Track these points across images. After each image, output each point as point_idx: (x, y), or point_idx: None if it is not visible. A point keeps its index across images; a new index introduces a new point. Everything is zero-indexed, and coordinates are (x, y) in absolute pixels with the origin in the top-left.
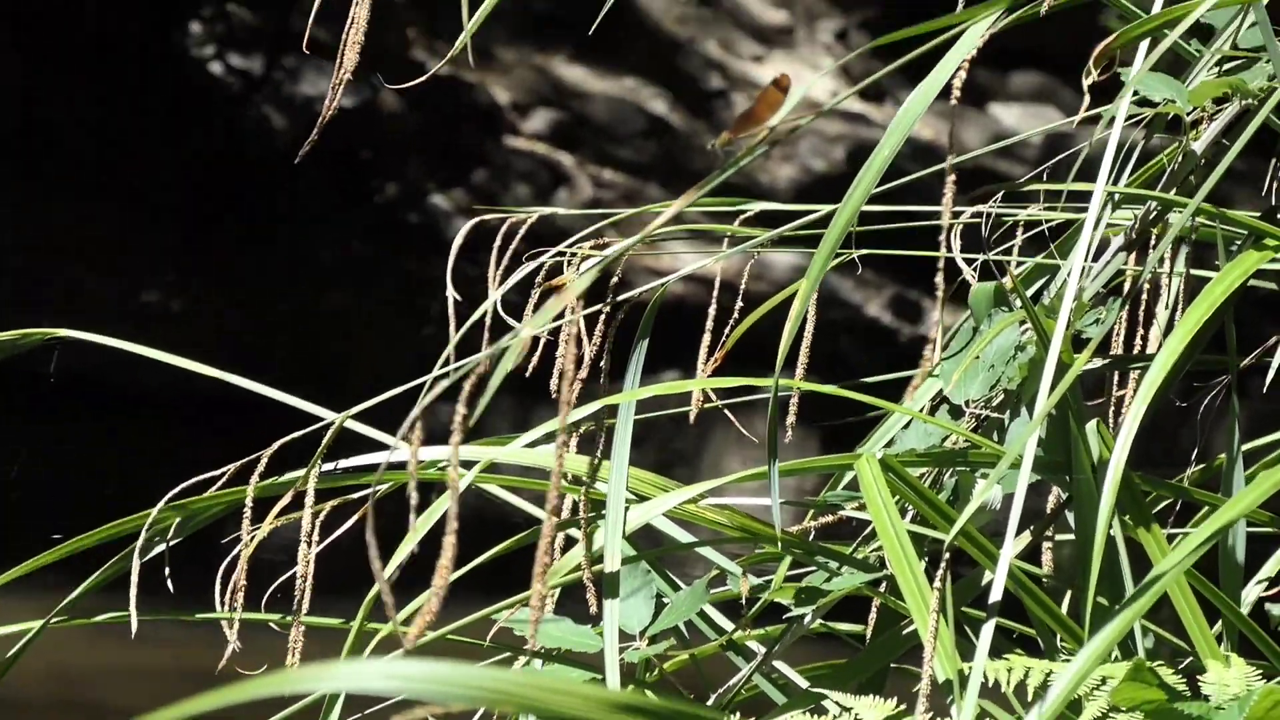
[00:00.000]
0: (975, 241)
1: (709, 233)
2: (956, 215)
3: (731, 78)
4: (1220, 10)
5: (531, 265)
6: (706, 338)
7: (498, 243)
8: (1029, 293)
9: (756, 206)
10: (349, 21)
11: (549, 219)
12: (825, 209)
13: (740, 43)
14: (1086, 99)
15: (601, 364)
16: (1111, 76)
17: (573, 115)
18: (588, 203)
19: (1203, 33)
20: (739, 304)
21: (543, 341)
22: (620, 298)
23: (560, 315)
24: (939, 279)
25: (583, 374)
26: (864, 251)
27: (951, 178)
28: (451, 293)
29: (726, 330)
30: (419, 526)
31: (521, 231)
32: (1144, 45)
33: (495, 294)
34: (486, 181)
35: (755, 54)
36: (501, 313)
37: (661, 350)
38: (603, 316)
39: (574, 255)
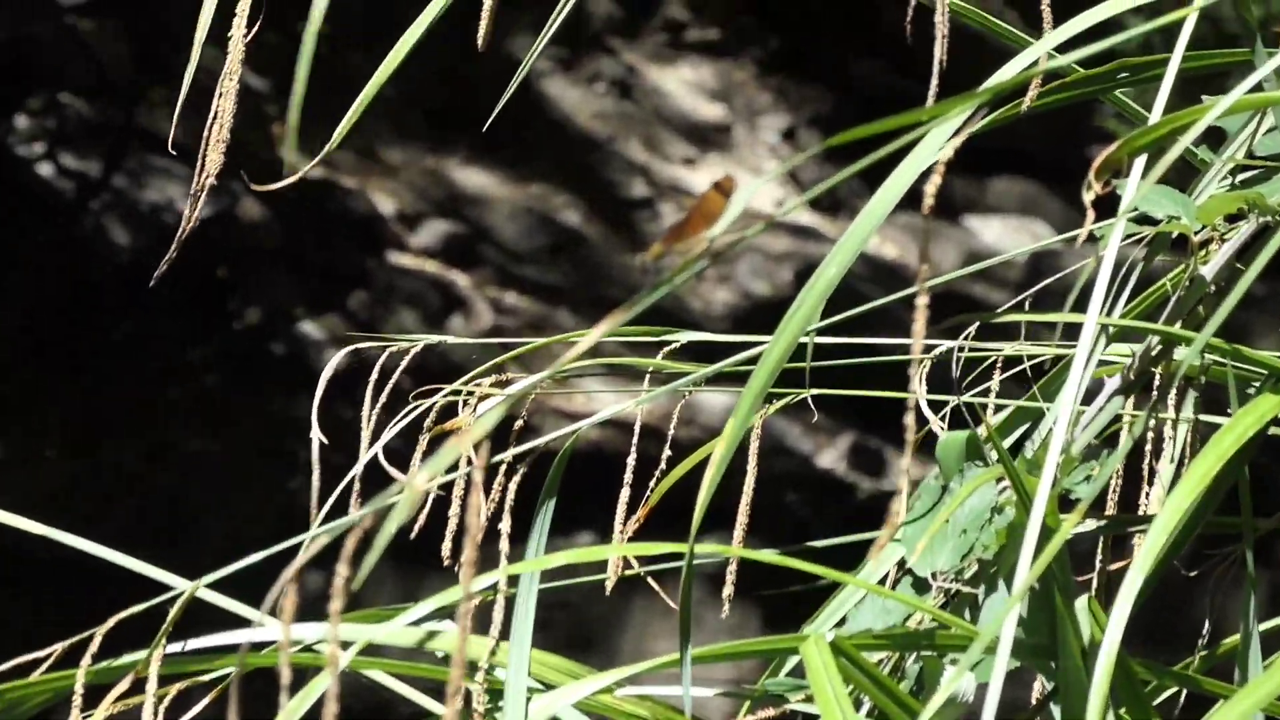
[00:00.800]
0: (945, 381)
1: (630, 368)
2: (926, 350)
3: (658, 184)
4: (1234, 114)
5: (420, 405)
6: (625, 493)
7: (373, 377)
8: (1008, 443)
9: (685, 337)
10: (212, 115)
11: (440, 350)
12: (767, 340)
13: (668, 143)
14: (1090, 215)
15: (501, 525)
16: (1104, 185)
17: (469, 228)
18: (487, 331)
19: (1213, 137)
20: (666, 452)
21: (430, 498)
22: (524, 446)
23: (454, 466)
24: (908, 421)
25: (479, 537)
26: (814, 391)
27: (923, 302)
28: (318, 434)
29: (651, 484)
30: (292, 709)
31: (404, 363)
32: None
33: (370, 441)
34: (366, 305)
35: (686, 156)
36: (384, 461)
37: (574, 507)
38: (503, 468)
39: (470, 394)
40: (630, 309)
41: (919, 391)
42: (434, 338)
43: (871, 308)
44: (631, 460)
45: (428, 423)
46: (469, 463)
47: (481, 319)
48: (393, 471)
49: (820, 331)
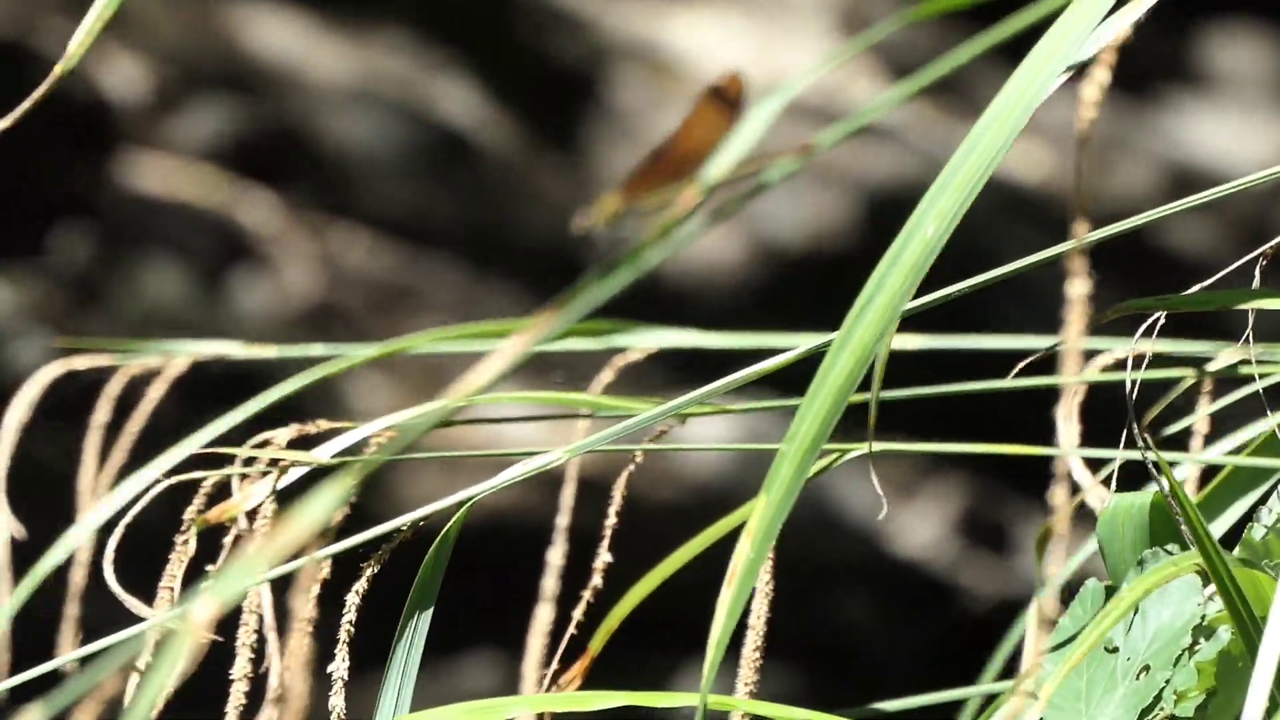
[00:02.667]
0: (1115, 410)
1: (557, 372)
2: (1084, 360)
3: (610, 50)
4: None
5: (176, 481)
6: (546, 610)
7: (100, 417)
8: (1221, 524)
9: (654, 340)
10: None
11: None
12: (803, 343)
13: None
14: None
15: (334, 667)
16: None
17: (271, 123)
18: (309, 310)
19: None
20: (604, 556)
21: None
22: (368, 533)
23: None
24: (1057, 497)
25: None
26: (882, 447)
27: (1081, 291)
28: (8, 517)
29: (585, 594)
30: None
31: (157, 389)
32: None
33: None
34: (85, 255)
35: (658, 3)
36: (114, 586)
37: (464, 609)
38: (319, 570)
39: (262, 451)
40: (558, 316)
41: (1066, 437)
42: (205, 348)
43: (997, 278)
44: (556, 552)
45: (191, 512)
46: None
47: (291, 283)
48: (128, 603)
49: (904, 323)
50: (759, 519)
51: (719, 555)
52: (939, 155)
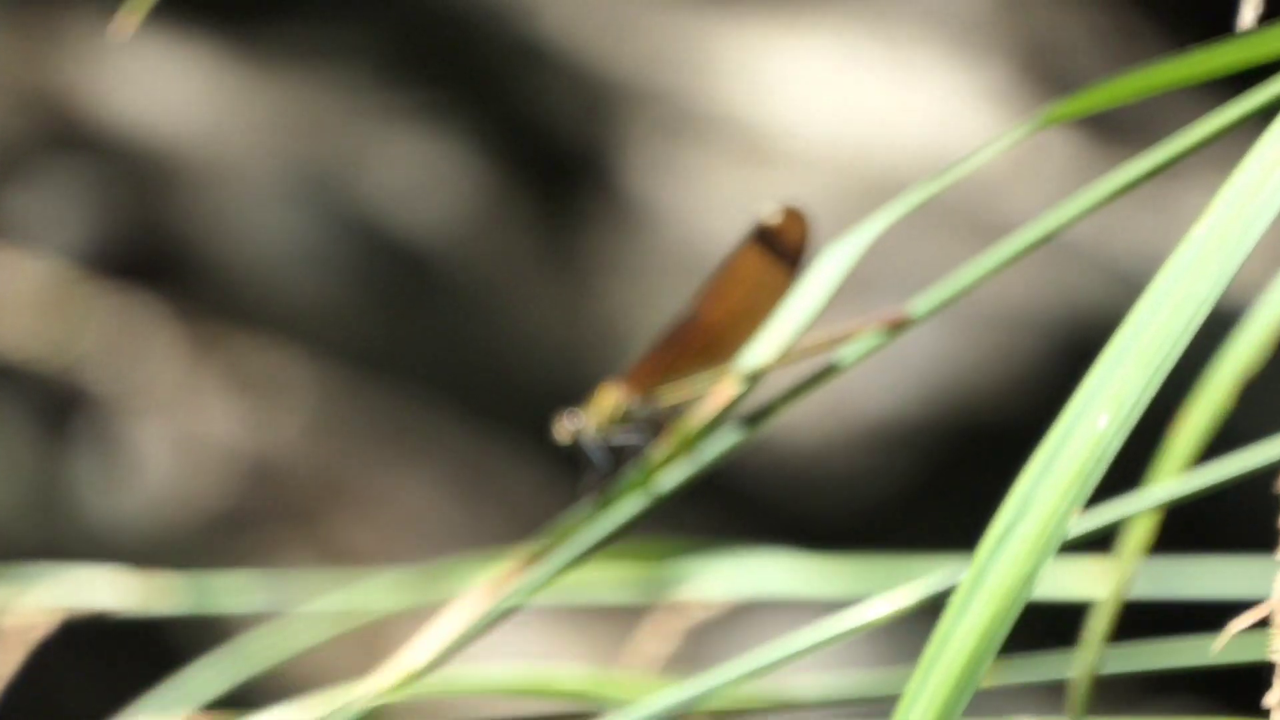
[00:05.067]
0: None
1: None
2: None
3: (653, 103)
4: None
5: None
6: None
7: None
8: None
9: (725, 583)
10: None
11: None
12: (931, 576)
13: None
14: None
15: None
16: None
17: (139, 217)
18: (209, 516)
19: None
20: None
21: None
22: None
23: None
24: None
25: None
26: None
27: None
28: None
29: None
30: None
31: None
32: None
33: None
34: None
35: (733, 39)
36: None
37: None
38: None
39: None
40: (529, 574)
41: None
42: (80, 596)
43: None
44: None
45: None
46: None
47: (174, 481)
48: None
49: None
50: None
51: None
52: (1145, 274)
